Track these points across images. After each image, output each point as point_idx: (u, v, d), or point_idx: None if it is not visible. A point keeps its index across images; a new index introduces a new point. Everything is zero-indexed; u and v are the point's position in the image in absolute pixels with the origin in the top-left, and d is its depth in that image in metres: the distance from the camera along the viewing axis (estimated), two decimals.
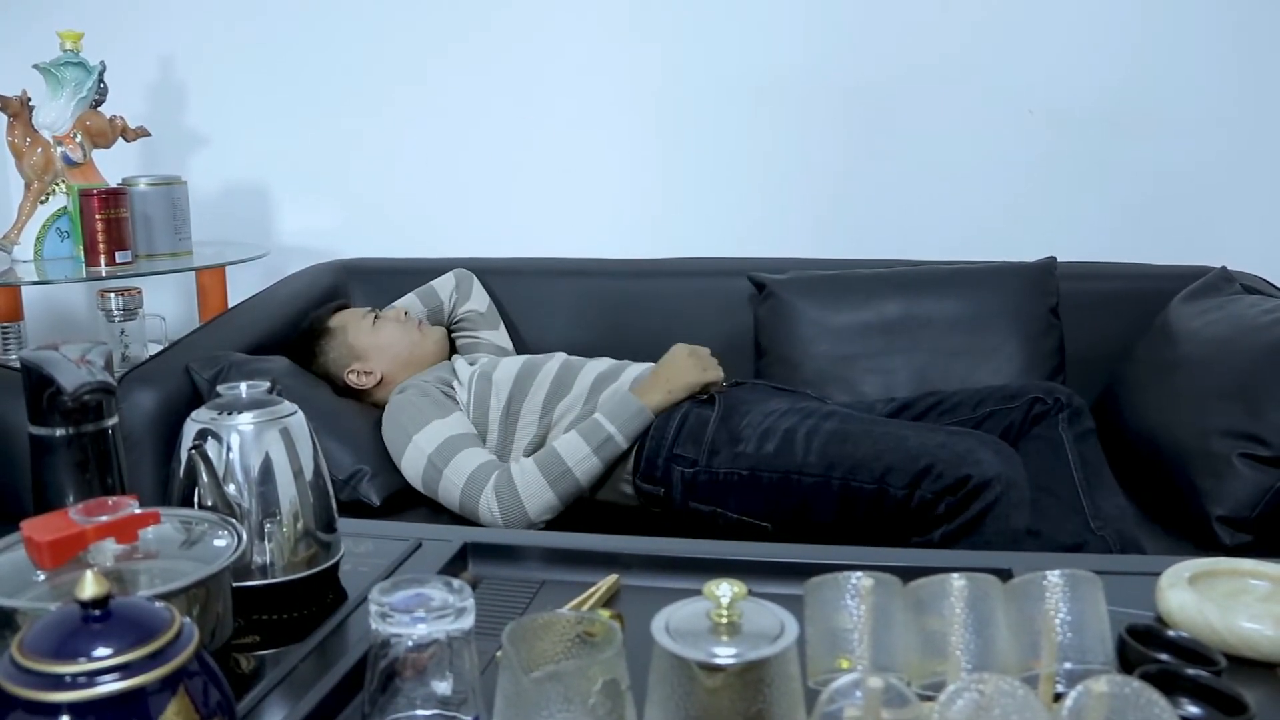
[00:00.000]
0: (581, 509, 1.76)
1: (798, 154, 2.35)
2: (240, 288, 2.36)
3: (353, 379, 1.97)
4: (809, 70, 2.31)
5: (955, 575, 0.82)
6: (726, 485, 1.69)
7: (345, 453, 1.76)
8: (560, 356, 1.96)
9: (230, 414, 0.98)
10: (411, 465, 1.76)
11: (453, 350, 2.16)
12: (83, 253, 2.11)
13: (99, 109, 2.21)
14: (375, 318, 2.04)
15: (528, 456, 1.74)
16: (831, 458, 1.64)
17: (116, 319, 2.25)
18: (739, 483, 1.68)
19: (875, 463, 1.61)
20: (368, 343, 1.99)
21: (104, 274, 2.11)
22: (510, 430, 1.85)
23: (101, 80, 2.19)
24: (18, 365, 1.40)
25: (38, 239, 2.16)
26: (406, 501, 1.79)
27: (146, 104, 2.52)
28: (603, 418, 1.73)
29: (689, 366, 1.78)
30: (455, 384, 1.92)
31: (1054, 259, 2.10)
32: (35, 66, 2.15)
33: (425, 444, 1.75)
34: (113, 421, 0.98)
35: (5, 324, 2.30)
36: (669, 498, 1.73)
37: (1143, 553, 1.57)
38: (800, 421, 1.71)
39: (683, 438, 1.74)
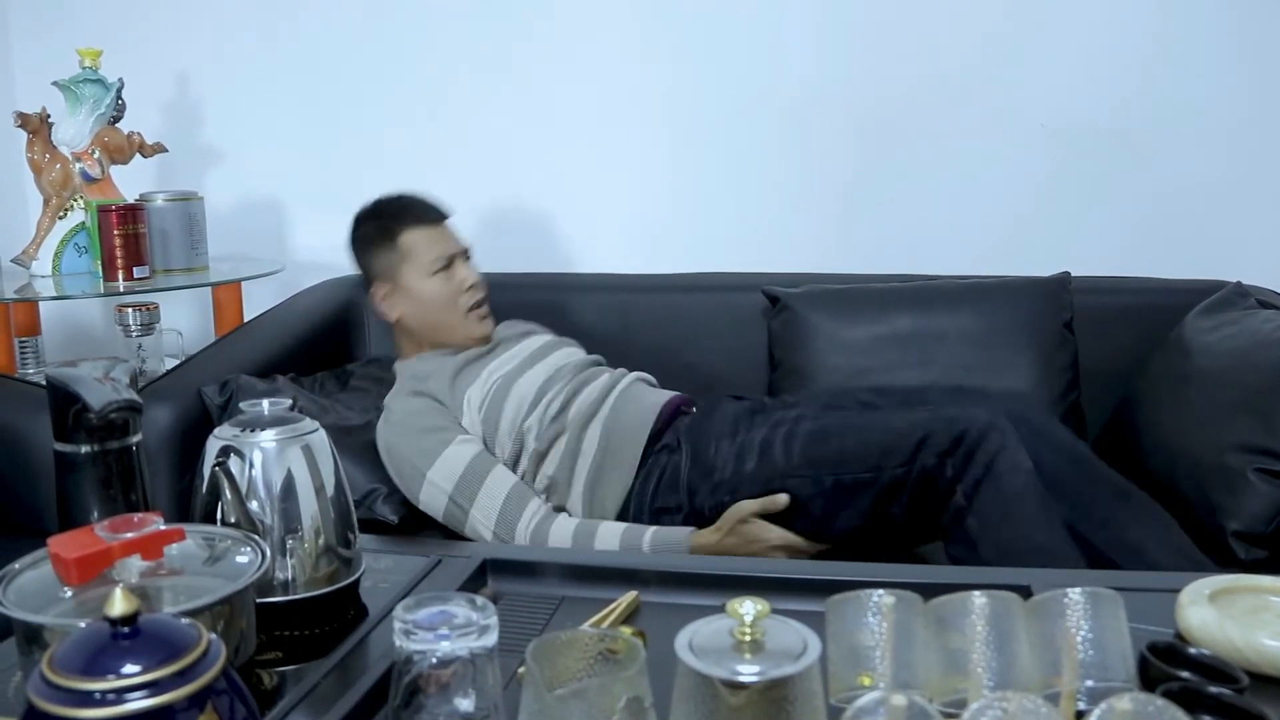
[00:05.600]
0: None
1: (810, 169, 2.36)
2: (256, 302, 2.37)
3: (376, 295, 1.90)
4: (821, 85, 2.32)
5: (976, 592, 0.83)
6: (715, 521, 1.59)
7: (360, 472, 1.75)
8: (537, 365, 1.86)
9: (253, 431, 0.99)
10: (432, 502, 1.69)
11: None
12: (100, 268, 2.12)
13: (117, 125, 2.22)
14: (442, 268, 1.87)
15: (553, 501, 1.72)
16: (816, 457, 1.56)
17: (134, 334, 2.25)
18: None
19: (864, 450, 1.52)
20: (411, 283, 1.87)
21: (121, 289, 2.12)
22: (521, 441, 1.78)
23: (119, 97, 2.21)
24: (41, 381, 1.41)
25: (56, 254, 2.17)
26: (424, 517, 1.79)
27: (163, 120, 2.53)
28: (649, 539, 1.59)
29: (756, 549, 1.57)
30: (453, 399, 1.80)
31: (1068, 274, 2.10)
32: (54, 83, 2.17)
33: (442, 481, 1.66)
34: (137, 438, 0.99)
35: (23, 339, 2.31)
36: None
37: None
38: (772, 431, 1.64)
39: (661, 489, 1.67)
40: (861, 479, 1.52)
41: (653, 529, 1.61)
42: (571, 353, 1.96)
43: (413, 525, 1.76)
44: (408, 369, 1.88)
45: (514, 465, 1.76)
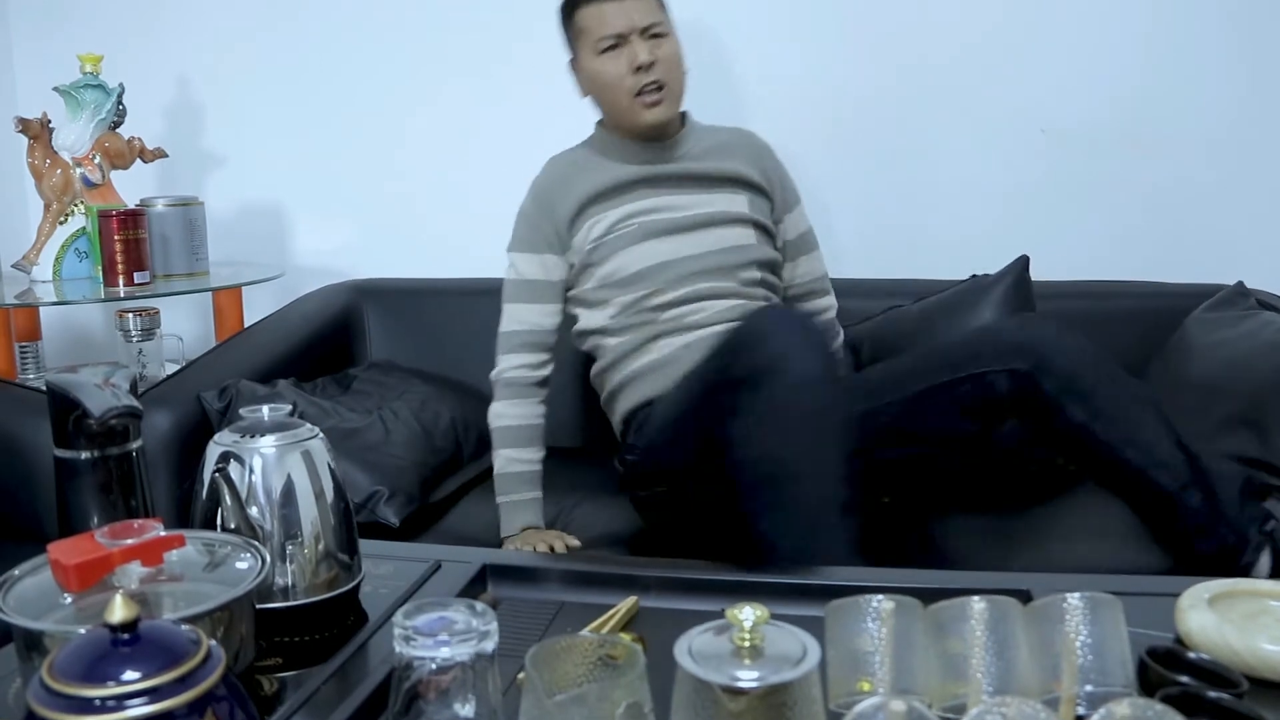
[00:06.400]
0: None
1: (801, 170, 2.35)
2: (256, 307, 2.37)
3: (573, 69, 1.83)
4: (814, 87, 2.31)
5: (975, 598, 0.83)
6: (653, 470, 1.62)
7: (361, 475, 1.75)
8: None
9: (252, 437, 0.99)
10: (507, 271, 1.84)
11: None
12: (101, 273, 2.12)
13: (117, 130, 2.23)
14: (610, 46, 1.72)
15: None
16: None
17: (134, 339, 2.26)
18: (662, 444, 1.59)
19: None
20: (585, 63, 1.77)
21: (122, 294, 2.12)
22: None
23: (120, 102, 2.21)
24: (41, 387, 1.41)
25: (56, 259, 2.18)
26: (425, 520, 1.79)
27: (164, 125, 2.54)
28: (502, 493, 1.69)
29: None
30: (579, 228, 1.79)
31: (1026, 257, 2.07)
32: (55, 89, 2.17)
33: (509, 270, 1.84)
34: (137, 444, 0.99)
35: (24, 344, 2.31)
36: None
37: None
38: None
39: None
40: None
41: (505, 496, 1.68)
42: (741, 238, 1.81)
43: (414, 528, 1.76)
44: (589, 143, 1.88)
45: (584, 307, 1.80)
